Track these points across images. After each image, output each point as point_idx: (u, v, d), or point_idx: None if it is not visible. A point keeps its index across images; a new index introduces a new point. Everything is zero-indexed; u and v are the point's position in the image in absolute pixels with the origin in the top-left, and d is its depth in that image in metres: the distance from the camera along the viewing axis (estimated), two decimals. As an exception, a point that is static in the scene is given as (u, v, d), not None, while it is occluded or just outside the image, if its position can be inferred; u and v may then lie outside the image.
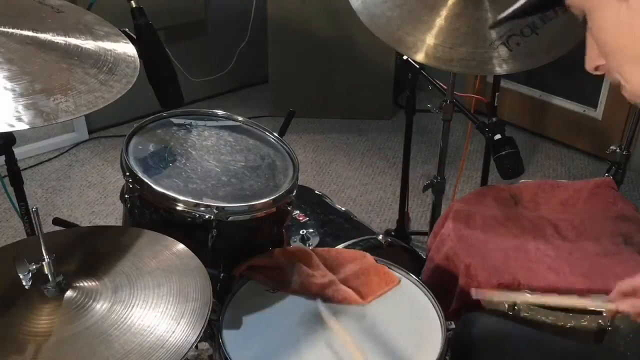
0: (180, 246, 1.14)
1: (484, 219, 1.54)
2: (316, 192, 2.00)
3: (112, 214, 2.64)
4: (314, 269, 1.33)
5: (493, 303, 1.27)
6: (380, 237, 1.67)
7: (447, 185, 2.06)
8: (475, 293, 1.20)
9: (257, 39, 3.53)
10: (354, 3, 1.58)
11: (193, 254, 1.12)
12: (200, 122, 1.55)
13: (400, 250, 1.71)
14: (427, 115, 2.84)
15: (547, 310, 1.32)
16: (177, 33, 3.24)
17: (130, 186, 1.32)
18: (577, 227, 1.52)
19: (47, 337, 0.94)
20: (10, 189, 1.54)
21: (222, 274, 1.33)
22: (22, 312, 0.97)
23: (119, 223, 1.57)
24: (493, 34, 1.51)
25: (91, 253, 1.12)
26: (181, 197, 1.27)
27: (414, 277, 1.33)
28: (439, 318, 1.23)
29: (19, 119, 0.98)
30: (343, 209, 1.91)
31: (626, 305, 0.99)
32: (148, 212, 1.33)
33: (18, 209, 1.56)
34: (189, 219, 1.28)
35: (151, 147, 1.42)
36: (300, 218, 1.77)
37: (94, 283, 1.04)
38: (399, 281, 1.33)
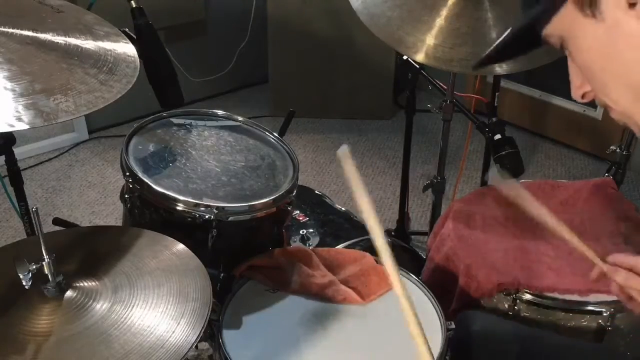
0: (180, 246, 1.14)
1: (484, 219, 1.54)
2: (316, 192, 2.00)
3: (112, 214, 2.64)
4: (314, 269, 1.33)
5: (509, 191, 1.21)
6: (380, 237, 1.67)
7: (447, 185, 2.06)
8: (491, 179, 1.15)
9: (257, 39, 3.53)
10: (354, 3, 1.58)
11: (193, 254, 1.12)
12: (200, 122, 1.55)
13: (400, 250, 1.71)
14: (427, 115, 2.83)
15: (547, 310, 1.32)
16: (177, 33, 3.24)
17: (130, 186, 1.32)
18: (577, 227, 1.52)
19: (47, 337, 0.94)
20: (10, 189, 1.54)
21: (222, 274, 1.33)
22: (22, 312, 0.97)
23: (119, 223, 1.57)
24: (493, 33, 1.51)
25: (91, 253, 1.12)
26: (181, 197, 1.27)
27: (414, 277, 1.33)
28: (439, 318, 1.23)
29: (19, 119, 0.97)
30: (343, 209, 1.91)
31: (620, 278, 0.97)
32: (148, 212, 1.33)
33: (18, 209, 1.56)
34: (189, 219, 1.28)
35: (151, 147, 1.42)
36: (300, 218, 1.77)
37: (94, 283, 1.04)
38: (399, 281, 1.32)
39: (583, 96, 0.76)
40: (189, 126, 1.53)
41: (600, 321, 1.27)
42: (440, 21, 1.53)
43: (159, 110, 1.51)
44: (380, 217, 2.64)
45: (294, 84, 3.38)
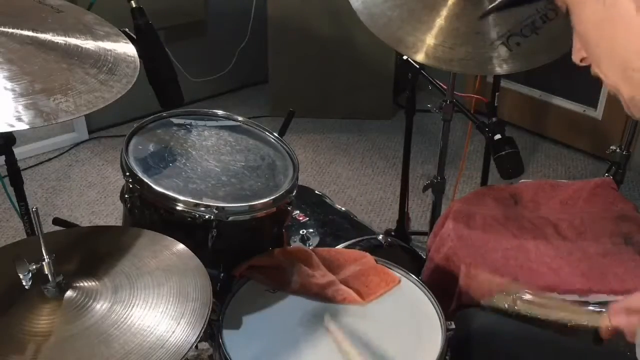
0: (180, 246, 1.14)
1: (484, 219, 1.54)
2: (316, 192, 2.00)
3: (112, 214, 2.64)
4: (314, 269, 1.33)
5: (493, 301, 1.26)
6: (380, 237, 1.67)
7: (447, 185, 2.06)
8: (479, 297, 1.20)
9: (257, 39, 3.53)
10: (354, 3, 1.58)
11: (193, 254, 1.12)
12: (200, 122, 1.55)
13: (400, 250, 1.71)
14: (427, 115, 2.83)
15: (547, 309, 1.32)
16: (177, 33, 3.24)
17: (130, 186, 1.32)
18: (577, 227, 1.52)
19: (47, 337, 0.94)
20: (10, 189, 1.54)
21: (222, 274, 1.33)
22: (22, 312, 0.97)
23: (119, 223, 1.57)
24: (493, 34, 1.51)
25: (91, 253, 1.12)
26: (181, 197, 1.27)
27: (414, 277, 1.33)
28: (439, 318, 1.23)
29: (19, 119, 0.98)
30: (343, 209, 1.91)
31: (621, 322, 1.00)
32: (148, 212, 1.33)
33: (18, 209, 1.56)
34: (189, 219, 1.27)
35: (151, 147, 1.42)
36: (300, 218, 1.77)
37: (94, 283, 1.04)
38: (399, 281, 1.33)
39: (582, 60, 0.77)
40: (189, 126, 1.53)
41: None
42: (440, 21, 1.53)
43: (159, 110, 1.51)
44: (380, 217, 2.67)
45: (294, 84, 3.38)
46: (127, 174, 1.32)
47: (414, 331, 1.21)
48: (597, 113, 2.99)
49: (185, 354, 0.92)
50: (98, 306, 0.99)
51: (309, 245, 1.65)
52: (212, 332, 1.21)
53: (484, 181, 2.41)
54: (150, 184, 1.28)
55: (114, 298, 1.01)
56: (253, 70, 3.69)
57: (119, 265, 1.08)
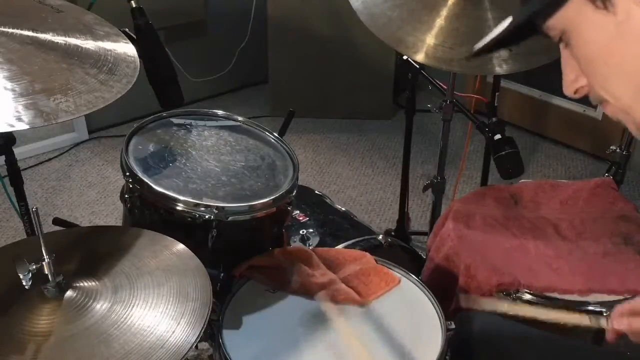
0: (180, 246, 1.14)
1: (484, 219, 1.54)
2: (316, 192, 2.00)
3: (112, 214, 2.64)
4: (314, 268, 1.33)
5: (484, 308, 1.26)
6: (380, 237, 1.67)
7: (447, 185, 2.06)
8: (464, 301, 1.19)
9: (257, 39, 3.53)
10: (354, 3, 1.58)
11: (193, 254, 1.12)
12: (200, 122, 1.55)
13: (400, 250, 1.71)
14: (427, 115, 2.84)
15: (547, 309, 1.32)
16: (177, 33, 3.24)
17: (130, 186, 1.32)
18: (577, 227, 1.52)
19: (47, 337, 0.94)
20: (10, 189, 1.54)
21: (222, 274, 1.33)
22: (22, 312, 0.97)
23: (119, 223, 1.57)
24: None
25: (91, 253, 1.12)
26: (181, 197, 1.27)
27: (414, 277, 1.33)
28: (439, 318, 1.23)
29: (19, 119, 0.98)
30: (343, 209, 1.91)
31: (623, 325, 1.00)
32: (148, 212, 1.33)
33: (18, 209, 1.56)
34: (189, 219, 1.27)
35: (151, 147, 1.42)
36: (300, 218, 1.77)
37: (94, 283, 1.04)
38: (399, 281, 1.33)
39: (576, 91, 0.76)
40: (189, 126, 1.53)
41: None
42: (440, 21, 1.53)
43: (159, 110, 1.51)
44: (380, 217, 2.67)
45: (293, 84, 3.38)
46: (127, 174, 1.32)
47: (414, 331, 1.21)
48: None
49: (185, 354, 0.92)
50: (98, 306, 0.99)
51: (309, 245, 1.65)
52: (212, 332, 1.21)
53: (484, 181, 2.41)
54: (150, 184, 1.28)
55: (114, 298, 1.01)
56: (253, 70, 3.70)
57: (119, 265, 1.08)
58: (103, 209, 2.68)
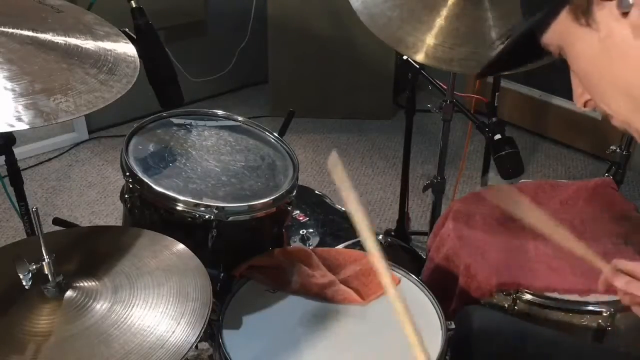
0: (180, 246, 1.14)
1: (484, 219, 1.54)
2: (316, 192, 2.00)
3: (112, 214, 2.64)
4: (314, 269, 1.33)
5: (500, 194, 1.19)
6: (380, 237, 1.67)
7: (447, 185, 2.06)
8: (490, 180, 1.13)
9: (257, 39, 3.53)
10: (354, 3, 1.58)
11: (193, 254, 1.12)
12: (200, 122, 1.55)
13: (400, 250, 1.71)
14: (427, 115, 2.83)
15: (547, 309, 1.32)
16: (177, 33, 3.24)
17: (130, 186, 1.32)
18: (577, 227, 1.52)
19: (47, 337, 0.94)
20: (10, 189, 1.54)
21: (222, 274, 1.33)
22: (22, 312, 0.97)
23: (119, 223, 1.57)
24: (493, 33, 1.51)
25: (91, 253, 1.12)
26: (181, 197, 1.27)
27: (414, 277, 1.33)
28: (439, 318, 1.23)
29: (19, 119, 0.97)
30: (343, 209, 1.91)
31: (620, 283, 0.98)
32: (148, 212, 1.33)
33: (18, 209, 1.56)
34: (189, 219, 1.28)
35: (151, 147, 1.42)
36: (300, 218, 1.77)
37: (94, 283, 1.04)
38: (399, 281, 1.33)
39: (585, 104, 0.76)
40: (189, 126, 1.53)
41: (600, 321, 1.27)
42: (440, 21, 1.53)
43: (159, 110, 1.51)
44: (380, 217, 2.66)
45: (293, 84, 3.38)
46: (127, 174, 1.32)
47: (414, 331, 1.21)
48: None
49: (185, 354, 0.92)
50: (98, 306, 0.99)
51: (309, 245, 1.65)
52: (212, 332, 1.21)
53: (484, 181, 2.41)
54: (150, 184, 1.28)
55: (114, 298, 1.01)
56: (253, 70, 3.70)
57: (119, 265, 1.08)
58: (103, 209, 2.68)
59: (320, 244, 1.67)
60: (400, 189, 2.30)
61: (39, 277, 0.98)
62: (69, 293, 1.01)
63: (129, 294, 1.02)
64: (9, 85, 1.02)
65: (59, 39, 1.18)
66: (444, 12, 1.54)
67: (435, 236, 1.59)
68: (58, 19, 1.24)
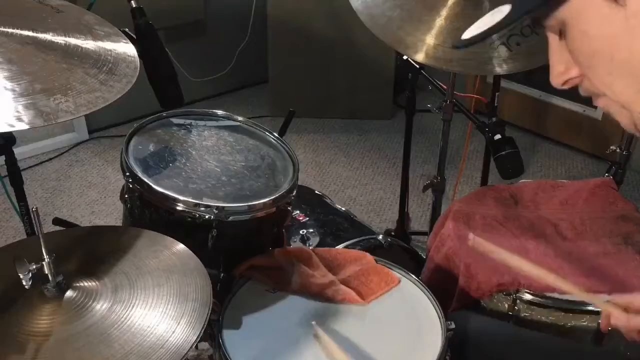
0: (180, 246, 1.14)
1: (484, 219, 1.54)
2: (316, 192, 2.00)
3: (112, 214, 2.64)
4: (314, 269, 1.33)
5: (492, 253, 1.20)
6: (380, 237, 1.67)
7: (447, 185, 2.06)
8: (472, 240, 1.14)
9: (257, 39, 3.53)
10: (354, 3, 1.58)
11: (193, 254, 1.12)
12: (200, 122, 1.55)
13: (400, 250, 1.71)
14: (427, 115, 2.84)
15: (547, 309, 1.32)
16: (177, 33, 3.24)
17: (130, 186, 1.32)
18: (577, 227, 1.52)
19: (47, 337, 0.94)
20: (10, 189, 1.54)
21: (222, 274, 1.33)
22: (22, 312, 0.97)
23: (119, 223, 1.57)
24: (493, 34, 1.51)
25: (91, 253, 1.12)
26: (181, 197, 1.27)
27: (414, 277, 1.33)
28: (439, 318, 1.23)
29: (19, 119, 0.97)
30: (343, 209, 1.91)
31: (621, 322, 0.98)
32: (148, 212, 1.33)
33: (18, 209, 1.56)
34: (189, 219, 1.27)
35: (151, 147, 1.42)
36: (300, 218, 1.77)
37: (94, 283, 1.04)
38: (399, 281, 1.33)
39: (564, 83, 0.74)
40: (189, 126, 1.53)
41: (600, 321, 1.27)
42: (440, 21, 1.53)
43: (159, 110, 1.51)
44: (380, 217, 2.67)
45: (294, 84, 3.38)
46: (127, 174, 1.32)
47: (414, 331, 1.21)
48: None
49: (185, 354, 0.92)
50: (98, 306, 0.99)
51: (309, 245, 1.65)
52: (212, 332, 1.21)
53: (484, 181, 2.41)
54: (151, 184, 1.28)
55: (114, 298, 1.01)
56: (253, 70, 3.70)
57: (119, 265, 1.08)
58: (103, 209, 2.68)
59: (320, 244, 1.67)
60: (400, 189, 2.30)
61: (39, 277, 0.98)
62: (69, 293, 1.01)
63: (129, 294, 1.02)
64: (9, 85, 1.02)
65: (59, 39, 1.18)
66: (444, 12, 1.54)
67: (435, 236, 1.59)
68: (58, 19, 1.24)
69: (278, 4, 3.21)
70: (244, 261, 1.33)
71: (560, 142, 3.22)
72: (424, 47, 1.51)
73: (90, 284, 1.04)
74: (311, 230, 1.71)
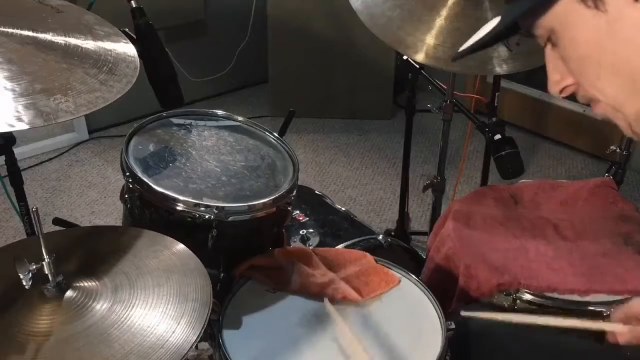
0: (180, 246, 1.14)
1: (484, 219, 1.54)
2: (316, 192, 2.00)
3: (112, 214, 2.64)
4: (314, 269, 1.33)
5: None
6: (380, 237, 1.67)
7: (447, 185, 2.06)
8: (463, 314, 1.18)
9: (257, 39, 3.53)
10: (354, 3, 1.58)
11: (193, 254, 1.12)
12: (200, 122, 1.55)
13: (400, 250, 1.71)
14: (427, 115, 2.84)
15: (547, 309, 1.32)
16: (177, 33, 3.24)
17: (130, 186, 1.32)
18: (577, 227, 1.52)
19: (47, 337, 0.94)
20: (10, 189, 1.54)
21: (222, 274, 1.33)
22: (22, 312, 0.97)
23: (119, 223, 1.57)
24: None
25: (91, 253, 1.12)
26: (181, 197, 1.27)
27: (414, 277, 1.33)
28: (439, 318, 1.23)
29: (19, 119, 0.97)
30: (343, 209, 1.91)
31: (626, 338, 0.99)
32: (148, 212, 1.33)
33: (18, 209, 1.56)
34: (189, 219, 1.27)
35: (151, 147, 1.42)
36: (300, 218, 1.77)
37: (94, 283, 1.04)
38: (399, 281, 1.33)
39: (562, 91, 0.75)
40: (189, 126, 1.53)
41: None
42: (440, 21, 1.53)
43: (159, 110, 1.51)
44: (380, 217, 2.67)
45: (294, 84, 3.38)
46: (127, 174, 1.32)
47: (414, 331, 1.21)
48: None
49: (185, 354, 0.92)
50: (98, 306, 0.99)
51: (309, 245, 1.65)
52: (212, 332, 1.21)
53: (484, 181, 2.41)
54: (150, 184, 1.28)
55: (114, 298, 1.01)
56: (253, 70, 3.70)
57: (119, 265, 1.08)
58: (103, 209, 2.68)
59: (320, 244, 1.67)
60: (400, 189, 2.30)
61: (39, 277, 0.98)
62: (69, 293, 1.01)
63: (129, 294, 1.02)
64: (9, 85, 1.02)
65: (59, 39, 1.18)
66: (444, 12, 1.54)
67: (435, 236, 1.59)
68: (58, 19, 1.24)
69: (278, 4, 3.21)
70: (244, 261, 1.33)
71: (560, 142, 3.22)
72: (424, 47, 1.51)
73: (90, 284, 1.04)
74: (311, 230, 1.71)
